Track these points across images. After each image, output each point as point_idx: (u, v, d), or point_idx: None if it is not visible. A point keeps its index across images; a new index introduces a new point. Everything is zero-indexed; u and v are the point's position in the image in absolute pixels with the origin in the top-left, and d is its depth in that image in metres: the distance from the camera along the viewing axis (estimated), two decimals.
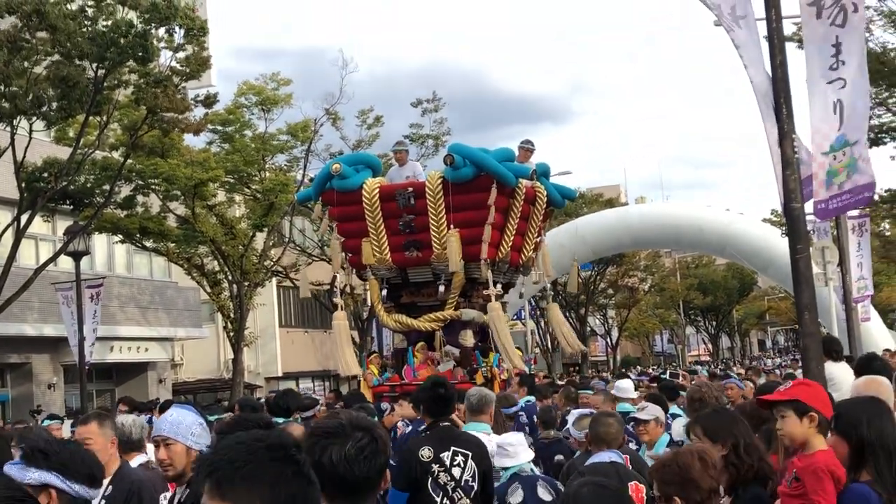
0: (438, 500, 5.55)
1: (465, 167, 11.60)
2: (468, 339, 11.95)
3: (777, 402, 4.00)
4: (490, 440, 6.01)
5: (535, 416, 9.01)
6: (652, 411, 6.79)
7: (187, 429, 4.30)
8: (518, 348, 12.16)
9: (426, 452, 5.61)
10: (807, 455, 3.83)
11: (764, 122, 6.29)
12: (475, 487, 5.61)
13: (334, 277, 13.87)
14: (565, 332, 13.98)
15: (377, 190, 12.07)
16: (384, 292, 12.32)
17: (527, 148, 12.89)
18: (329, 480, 2.43)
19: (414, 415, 7.65)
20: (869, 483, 3.65)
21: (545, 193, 12.68)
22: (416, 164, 13.69)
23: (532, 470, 5.84)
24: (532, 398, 10.04)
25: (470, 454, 5.66)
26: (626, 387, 10.20)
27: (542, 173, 12.87)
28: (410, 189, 11.96)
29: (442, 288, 11.82)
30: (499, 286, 12.28)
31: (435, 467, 5.57)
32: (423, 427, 6.31)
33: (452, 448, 5.65)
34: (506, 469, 5.73)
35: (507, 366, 11.90)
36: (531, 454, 5.95)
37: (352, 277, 12.86)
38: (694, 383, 7.84)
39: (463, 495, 5.58)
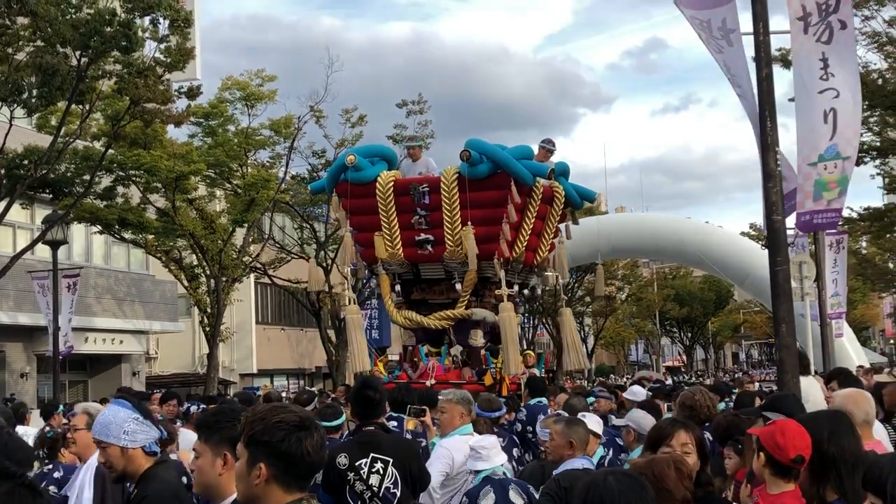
0: None
1: (482, 163, 11.31)
2: (478, 338, 11.71)
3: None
4: (468, 442, 5.96)
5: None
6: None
7: (118, 428, 4.10)
8: (529, 350, 11.90)
9: (342, 460, 5.36)
10: (774, 496, 3.76)
11: (755, 136, 6.31)
12: (398, 495, 5.38)
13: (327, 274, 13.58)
14: (575, 342, 13.25)
15: (392, 183, 11.77)
16: (398, 288, 12.05)
17: (547, 148, 12.63)
18: (304, 469, 2.72)
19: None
20: (836, 502, 3.62)
21: (563, 193, 12.33)
22: (429, 159, 13.31)
23: (505, 473, 5.80)
24: (544, 399, 9.81)
25: (391, 460, 5.40)
26: (638, 392, 10.53)
27: (561, 173, 12.47)
28: (425, 184, 11.66)
29: (458, 285, 11.54)
30: (515, 287, 12.00)
31: (350, 475, 5.33)
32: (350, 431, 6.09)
33: (371, 455, 5.38)
34: (478, 472, 5.69)
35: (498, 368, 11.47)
36: (504, 457, 5.91)
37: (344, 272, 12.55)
38: (688, 389, 7.48)
39: None
